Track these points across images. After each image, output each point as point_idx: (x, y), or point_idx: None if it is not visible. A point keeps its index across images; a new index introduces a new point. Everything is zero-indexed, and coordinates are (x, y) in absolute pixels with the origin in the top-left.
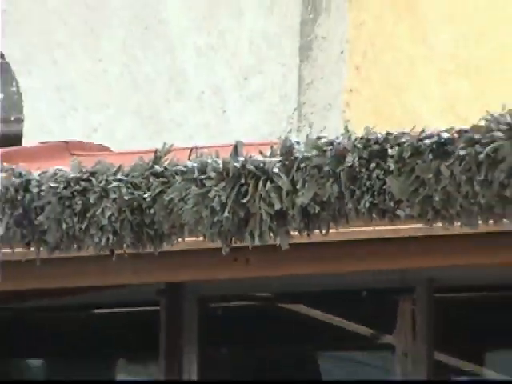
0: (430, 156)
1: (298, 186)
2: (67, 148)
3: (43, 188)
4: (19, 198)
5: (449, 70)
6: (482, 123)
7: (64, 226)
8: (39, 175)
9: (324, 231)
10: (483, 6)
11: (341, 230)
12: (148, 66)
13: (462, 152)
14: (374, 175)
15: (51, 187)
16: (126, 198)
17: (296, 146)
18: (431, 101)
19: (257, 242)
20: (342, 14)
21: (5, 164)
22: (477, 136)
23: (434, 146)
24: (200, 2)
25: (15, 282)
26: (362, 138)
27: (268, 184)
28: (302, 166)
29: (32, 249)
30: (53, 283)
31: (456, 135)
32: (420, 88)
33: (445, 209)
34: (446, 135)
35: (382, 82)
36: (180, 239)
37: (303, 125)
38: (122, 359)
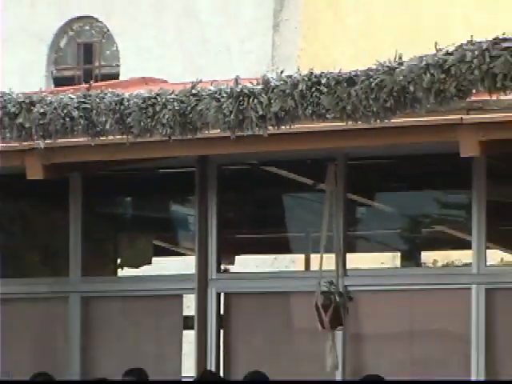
0: (345, 84)
1: (272, 101)
2: (144, 81)
3: (130, 102)
4: (117, 108)
5: (356, 37)
6: (374, 66)
7: (142, 123)
8: (128, 95)
9: (287, 127)
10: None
11: (296, 126)
12: (188, 33)
13: (362, 83)
14: (314, 95)
15: (135, 102)
16: (176, 108)
17: (271, 79)
18: (347, 55)
19: (249, 133)
20: (297, 7)
21: (109, 89)
22: (371, 73)
23: (347, 78)
24: None
25: (114, 155)
26: (306, 74)
27: (255, 100)
28: (275, 90)
29: (124, 136)
30: (136, 155)
31: (359, 73)
32: (341, 48)
33: (353, 114)
34: (353, 73)
35: (319, 44)
36: (207, 131)
37: (275, 68)
38: (174, 197)
